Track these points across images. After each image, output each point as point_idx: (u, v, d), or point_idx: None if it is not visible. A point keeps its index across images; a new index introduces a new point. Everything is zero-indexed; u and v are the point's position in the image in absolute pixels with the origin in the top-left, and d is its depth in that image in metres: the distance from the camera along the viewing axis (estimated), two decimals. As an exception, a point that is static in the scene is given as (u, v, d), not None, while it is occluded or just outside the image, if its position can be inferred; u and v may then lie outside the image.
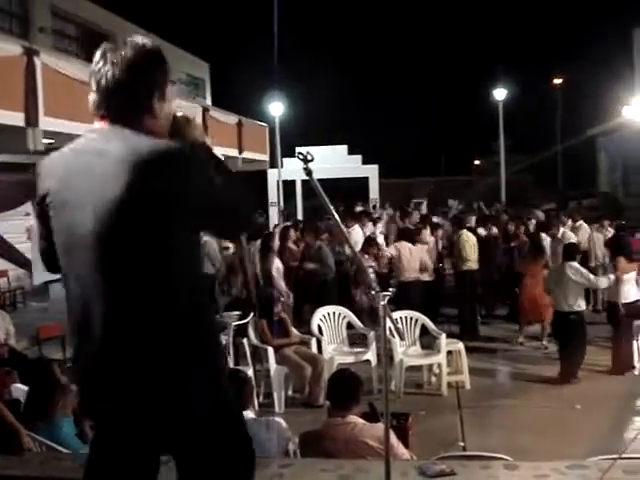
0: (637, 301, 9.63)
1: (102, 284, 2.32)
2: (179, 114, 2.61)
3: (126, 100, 2.41)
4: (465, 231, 12.53)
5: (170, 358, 2.31)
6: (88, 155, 2.36)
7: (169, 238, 2.32)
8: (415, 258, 11.56)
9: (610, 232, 13.61)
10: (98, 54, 2.44)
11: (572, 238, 12.26)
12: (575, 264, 9.49)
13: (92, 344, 2.35)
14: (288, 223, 17.54)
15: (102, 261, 2.32)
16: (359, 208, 21.02)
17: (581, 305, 9.40)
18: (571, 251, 9.78)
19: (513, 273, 12.59)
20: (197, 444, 2.42)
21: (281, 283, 10.84)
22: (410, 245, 11.67)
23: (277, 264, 10.96)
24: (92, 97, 2.45)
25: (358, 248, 12.83)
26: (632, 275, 9.63)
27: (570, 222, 14.47)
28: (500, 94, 31.54)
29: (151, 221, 2.29)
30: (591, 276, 9.54)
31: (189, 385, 2.34)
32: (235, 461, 2.52)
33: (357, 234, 14.00)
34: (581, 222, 14.44)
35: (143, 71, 2.43)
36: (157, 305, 2.32)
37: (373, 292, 3.08)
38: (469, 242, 12.21)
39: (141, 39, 2.47)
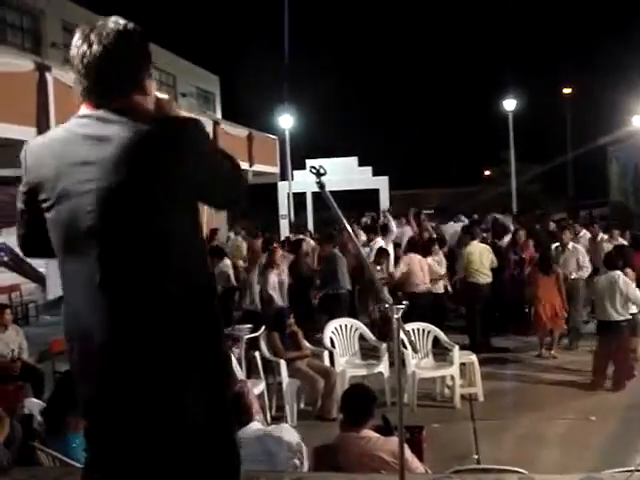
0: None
1: (104, 278, 2.26)
2: (161, 95, 2.57)
3: (115, 78, 2.34)
4: (473, 243, 12.33)
5: (169, 363, 2.27)
6: (85, 142, 2.29)
7: (173, 221, 2.29)
8: (425, 269, 11.55)
9: (620, 242, 13.48)
10: (78, 35, 2.36)
11: (582, 249, 12.27)
12: (623, 275, 9.51)
13: (91, 343, 2.29)
14: (289, 235, 17.54)
15: (109, 247, 2.26)
16: (365, 219, 20.99)
17: (628, 312, 9.45)
18: (614, 260, 9.78)
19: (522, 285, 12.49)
20: (184, 458, 2.36)
21: (277, 300, 10.78)
22: (419, 257, 11.68)
23: (273, 280, 10.90)
24: (78, 80, 2.37)
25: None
26: None
27: (585, 232, 14.36)
28: (510, 104, 31.51)
29: (159, 204, 2.25)
30: (638, 293, 9.54)
31: (183, 397, 2.29)
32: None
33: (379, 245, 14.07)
34: (602, 235, 14.17)
35: (129, 47, 2.36)
36: (160, 301, 2.27)
37: (386, 305, 3.07)
38: (475, 254, 12.03)
39: (118, 18, 2.39)
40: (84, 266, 2.29)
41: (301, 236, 16.46)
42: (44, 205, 2.35)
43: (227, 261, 12.95)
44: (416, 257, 11.69)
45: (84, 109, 2.38)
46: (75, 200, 2.28)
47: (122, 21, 2.37)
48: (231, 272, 12.84)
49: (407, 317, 9.27)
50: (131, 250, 2.26)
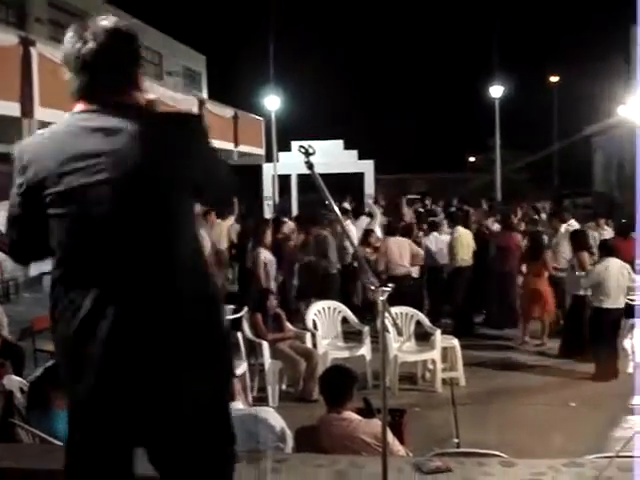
0: None
1: (126, 263, 2.29)
2: (151, 96, 2.60)
3: (114, 74, 2.37)
4: (459, 228, 12.45)
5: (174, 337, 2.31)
6: (92, 134, 2.29)
7: (183, 209, 2.38)
8: (404, 252, 11.55)
9: (607, 231, 13.53)
10: (71, 34, 2.37)
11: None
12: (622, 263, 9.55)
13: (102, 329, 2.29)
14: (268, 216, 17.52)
15: (125, 236, 2.29)
16: (346, 204, 20.79)
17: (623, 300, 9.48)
18: (610, 247, 9.80)
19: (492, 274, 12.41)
20: (179, 441, 2.41)
21: (270, 278, 10.71)
22: (398, 239, 11.69)
23: (265, 258, 10.80)
24: (75, 78, 2.37)
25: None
26: None
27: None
28: (496, 91, 31.55)
29: (170, 193, 2.32)
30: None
31: (184, 379, 2.33)
32: (218, 464, 2.52)
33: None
34: (572, 221, 14.14)
35: (124, 44, 2.40)
36: (171, 287, 2.32)
37: (372, 287, 3.06)
38: (461, 239, 12.15)
39: (108, 17, 2.42)
40: (98, 255, 2.30)
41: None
42: (47, 200, 2.31)
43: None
44: (392, 239, 11.72)
45: (81, 106, 2.38)
46: (85, 192, 2.27)
47: (113, 19, 2.41)
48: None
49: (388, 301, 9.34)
50: (146, 238, 2.30)
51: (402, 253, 11.51)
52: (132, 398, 2.32)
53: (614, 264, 9.38)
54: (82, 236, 2.31)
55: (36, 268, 14.54)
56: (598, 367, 9.27)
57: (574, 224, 12.49)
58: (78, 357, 2.33)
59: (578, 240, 10.49)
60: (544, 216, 16.57)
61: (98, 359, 2.29)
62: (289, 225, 15.27)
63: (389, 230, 12.42)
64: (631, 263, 9.83)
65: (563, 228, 12.10)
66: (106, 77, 2.36)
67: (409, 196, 26.44)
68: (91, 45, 2.32)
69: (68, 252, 2.35)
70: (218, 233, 13.38)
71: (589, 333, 9.63)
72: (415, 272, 12.21)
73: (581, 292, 10.01)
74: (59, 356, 2.45)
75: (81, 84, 2.36)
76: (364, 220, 16.62)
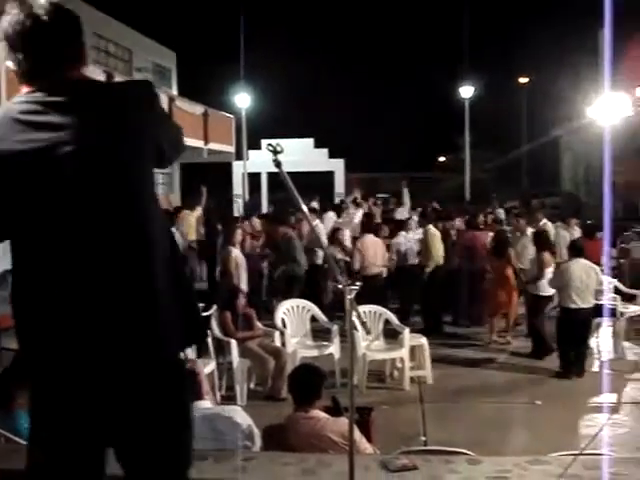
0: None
1: (96, 241, 2.23)
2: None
3: (65, 49, 2.30)
4: (431, 227, 12.56)
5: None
6: (49, 109, 2.22)
7: (145, 179, 2.36)
8: (379, 251, 11.65)
9: (577, 231, 13.66)
10: (16, 11, 2.24)
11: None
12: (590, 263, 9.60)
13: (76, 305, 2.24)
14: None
15: (91, 208, 2.23)
16: (314, 204, 20.71)
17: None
18: (579, 248, 9.82)
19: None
20: (147, 439, 2.37)
21: (241, 277, 10.64)
22: (373, 238, 11.78)
23: (236, 257, 10.72)
24: (22, 57, 2.27)
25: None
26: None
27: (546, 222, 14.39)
28: (467, 92, 31.76)
29: (135, 163, 2.29)
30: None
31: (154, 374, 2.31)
32: (178, 462, 2.49)
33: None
34: (545, 221, 14.29)
35: (72, 18, 2.34)
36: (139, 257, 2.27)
37: (340, 285, 3.07)
38: (435, 238, 12.29)
39: None
40: (63, 231, 2.22)
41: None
42: (6, 180, 2.20)
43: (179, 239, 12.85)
44: (368, 238, 11.79)
45: (31, 87, 2.29)
46: (48, 167, 2.19)
47: None
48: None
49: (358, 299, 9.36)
50: (113, 210, 2.25)
51: (377, 252, 11.66)
52: (103, 394, 2.28)
53: (578, 264, 9.42)
54: (48, 212, 2.22)
55: (1, 265, 14.34)
56: (564, 366, 9.35)
57: (548, 225, 12.66)
58: (46, 350, 2.27)
59: (540, 240, 10.64)
60: (502, 214, 16.70)
61: (67, 351, 2.24)
62: (253, 222, 15.22)
63: (365, 228, 12.52)
64: (597, 263, 9.96)
65: (529, 231, 12.22)
66: (57, 52, 2.29)
67: (379, 195, 26.53)
68: (44, 18, 2.24)
69: (30, 231, 2.26)
70: (188, 226, 13.37)
71: (556, 332, 9.72)
72: (384, 272, 12.29)
73: (540, 292, 10.17)
74: (24, 351, 2.36)
75: (30, 62, 2.28)
76: (331, 216, 16.68)
